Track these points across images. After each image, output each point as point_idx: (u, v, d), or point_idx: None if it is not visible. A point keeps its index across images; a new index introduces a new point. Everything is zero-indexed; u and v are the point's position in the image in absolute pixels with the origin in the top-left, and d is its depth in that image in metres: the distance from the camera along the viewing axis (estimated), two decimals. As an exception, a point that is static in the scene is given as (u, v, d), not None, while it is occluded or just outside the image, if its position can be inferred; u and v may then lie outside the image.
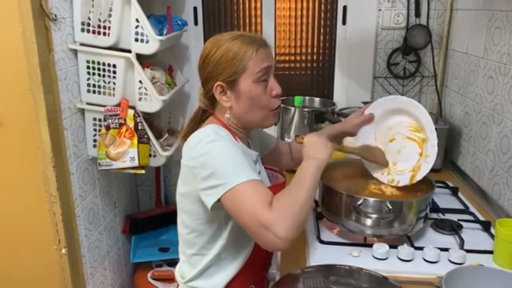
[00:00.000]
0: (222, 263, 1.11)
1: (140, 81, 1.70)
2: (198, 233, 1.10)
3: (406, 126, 1.34)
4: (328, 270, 1.09)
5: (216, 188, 0.96)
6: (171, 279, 2.12)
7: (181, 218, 1.13)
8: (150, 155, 1.81)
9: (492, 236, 1.33)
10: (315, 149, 1.08)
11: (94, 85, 1.73)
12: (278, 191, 1.17)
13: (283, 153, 1.42)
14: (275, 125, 1.19)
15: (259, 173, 1.19)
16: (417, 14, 2.05)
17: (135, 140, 1.71)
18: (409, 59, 2.11)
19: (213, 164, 0.97)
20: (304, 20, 2.25)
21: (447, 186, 1.69)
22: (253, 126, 1.17)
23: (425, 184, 1.36)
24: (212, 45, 1.08)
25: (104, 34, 1.66)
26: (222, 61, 1.05)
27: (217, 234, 1.09)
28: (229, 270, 1.11)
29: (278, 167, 1.38)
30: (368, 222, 1.26)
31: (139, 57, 1.70)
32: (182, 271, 1.18)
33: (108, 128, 1.72)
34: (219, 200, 0.96)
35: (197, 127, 1.12)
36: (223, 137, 1.03)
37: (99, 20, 1.64)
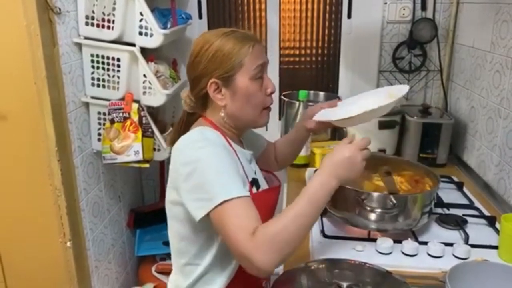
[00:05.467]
0: (216, 271, 1.06)
1: (144, 75, 1.70)
2: (189, 242, 1.05)
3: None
4: (332, 264, 1.09)
5: (205, 202, 0.91)
6: (175, 273, 2.13)
7: (171, 226, 1.09)
8: (154, 149, 1.81)
9: (497, 231, 1.33)
10: (345, 165, 0.97)
11: (98, 79, 1.73)
12: (273, 195, 1.13)
13: (272, 153, 1.37)
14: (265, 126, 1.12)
15: (255, 173, 1.14)
16: (423, 8, 2.03)
17: (139, 134, 1.71)
18: (415, 53, 2.09)
19: (201, 174, 0.93)
20: (309, 14, 2.24)
21: (452, 181, 1.68)
22: (246, 125, 1.12)
23: (430, 179, 1.35)
24: (204, 41, 1.03)
25: (108, 27, 1.65)
26: (218, 56, 1.01)
27: (208, 243, 1.04)
28: (222, 279, 1.06)
29: (268, 168, 1.32)
30: (372, 216, 1.26)
31: (143, 50, 1.70)
32: (175, 281, 1.14)
33: (112, 122, 1.72)
34: (208, 214, 0.91)
35: (185, 132, 1.05)
36: (212, 140, 0.99)
37: (103, 13, 1.64)
